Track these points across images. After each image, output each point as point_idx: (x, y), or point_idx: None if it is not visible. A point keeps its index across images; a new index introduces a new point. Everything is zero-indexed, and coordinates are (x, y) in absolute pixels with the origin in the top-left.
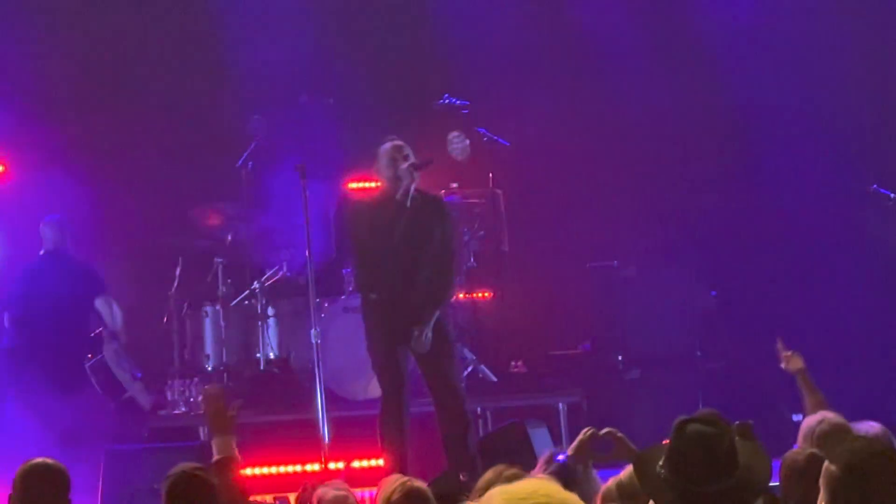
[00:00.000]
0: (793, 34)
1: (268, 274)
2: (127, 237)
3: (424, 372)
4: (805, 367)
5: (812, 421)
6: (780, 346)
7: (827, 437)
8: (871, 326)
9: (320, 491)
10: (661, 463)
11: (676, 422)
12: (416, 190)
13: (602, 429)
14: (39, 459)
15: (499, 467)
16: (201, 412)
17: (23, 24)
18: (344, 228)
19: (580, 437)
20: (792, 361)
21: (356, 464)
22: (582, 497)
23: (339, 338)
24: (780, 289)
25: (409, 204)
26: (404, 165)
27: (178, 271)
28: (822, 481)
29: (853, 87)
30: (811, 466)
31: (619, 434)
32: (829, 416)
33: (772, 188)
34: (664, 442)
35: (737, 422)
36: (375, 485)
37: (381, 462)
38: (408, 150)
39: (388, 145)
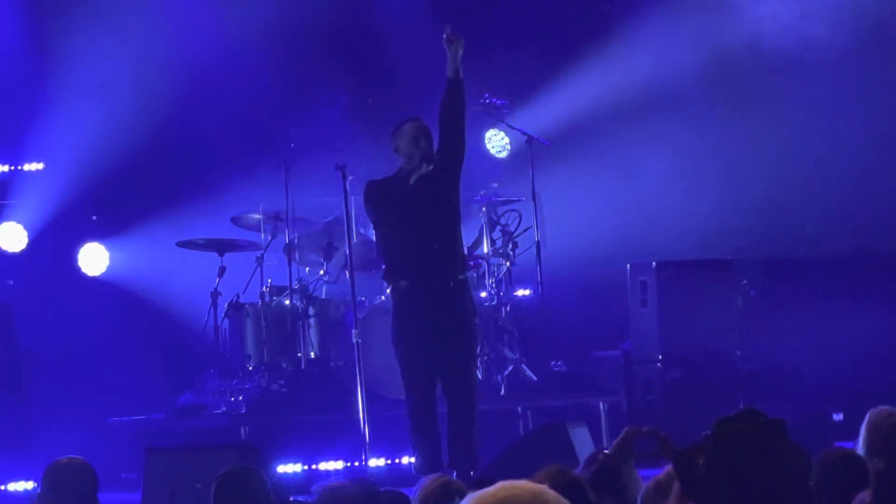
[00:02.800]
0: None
1: (308, 273)
2: (168, 236)
3: (442, 364)
4: None
5: (879, 414)
6: None
7: None
8: None
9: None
10: (700, 462)
11: (716, 421)
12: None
13: (644, 428)
14: (66, 458)
15: (552, 468)
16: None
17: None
18: (370, 215)
19: (622, 435)
20: None
21: (406, 460)
22: (624, 497)
23: (381, 337)
24: (821, 287)
25: (421, 184)
26: (426, 147)
27: (219, 270)
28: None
29: None
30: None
31: (662, 434)
32: None
33: (813, 185)
34: (703, 440)
35: (763, 419)
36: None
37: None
38: (430, 135)
39: (410, 123)
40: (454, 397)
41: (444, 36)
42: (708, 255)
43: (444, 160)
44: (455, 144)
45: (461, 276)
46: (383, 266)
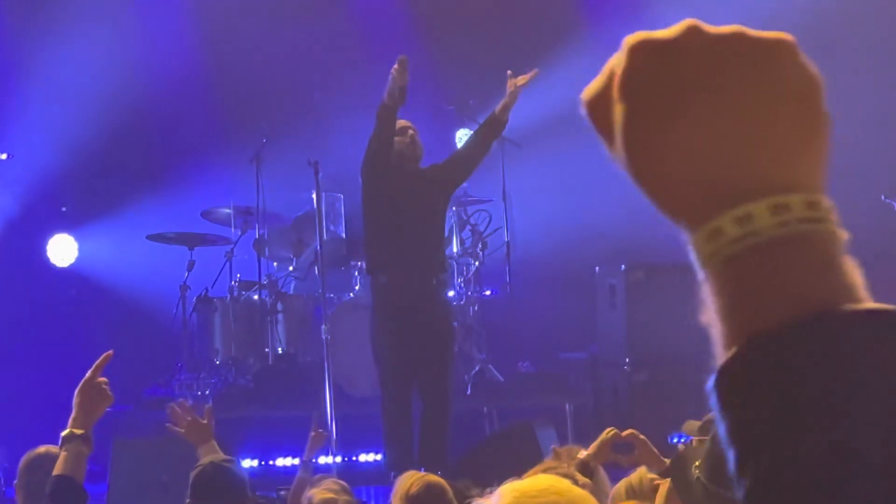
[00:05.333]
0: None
1: (277, 269)
2: (138, 229)
3: (419, 362)
4: None
5: None
6: None
7: None
8: None
9: (310, 492)
10: (696, 465)
11: (703, 425)
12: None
13: (622, 430)
14: (44, 448)
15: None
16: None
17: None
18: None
19: (602, 436)
20: None
21: (363, 458)
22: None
23: (349, 334)
24: None
25: (420, 180)
26: (413, 134)
27: (188, 264)
28: None
29: (863, 95)
30: None
31: (642, 437)
32: None
33: None
34: (694, 443)
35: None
36: (381, 482)
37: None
38: (415, 129)
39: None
40: (430, 396)
41: (511, 80)
42: (677, 259)
43: (452, 173)
44: (470, 169)
45: (442, 276)
46: (359, 264)
